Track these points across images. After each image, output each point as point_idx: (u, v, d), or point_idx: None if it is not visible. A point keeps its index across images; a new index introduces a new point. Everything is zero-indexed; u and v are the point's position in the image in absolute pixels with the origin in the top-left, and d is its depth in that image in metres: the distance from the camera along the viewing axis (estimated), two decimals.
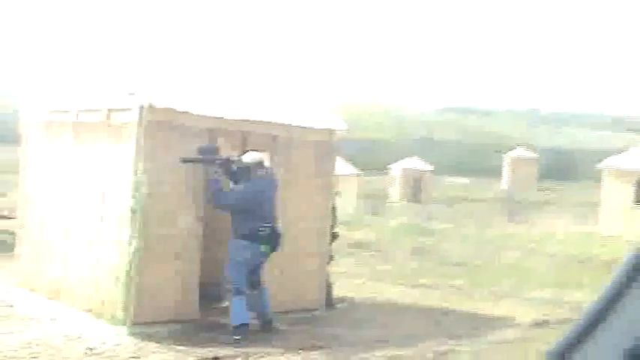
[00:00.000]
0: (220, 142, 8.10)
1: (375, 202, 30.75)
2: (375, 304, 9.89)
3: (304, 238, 8.66)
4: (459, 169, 55.27)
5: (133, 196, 7.26)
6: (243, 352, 6.93)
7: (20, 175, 9.18)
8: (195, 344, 7.15)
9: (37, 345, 6.93)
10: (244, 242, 7.58)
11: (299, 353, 7.06)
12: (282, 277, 8.45)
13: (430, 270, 13.41)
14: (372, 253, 15.68)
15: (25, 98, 9.12)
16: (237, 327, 7.45)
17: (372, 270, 13.24)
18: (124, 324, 7.26)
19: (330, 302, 9.28)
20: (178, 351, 6.92)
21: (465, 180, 49.77)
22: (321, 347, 7.35)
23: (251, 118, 7.94)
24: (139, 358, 6.69)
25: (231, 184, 7.79)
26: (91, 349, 6.89)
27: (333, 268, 13.16)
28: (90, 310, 7.66)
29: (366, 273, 12.85)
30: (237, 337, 7.37)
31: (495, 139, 67.61)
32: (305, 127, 8.54)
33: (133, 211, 7.25)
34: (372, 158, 50.88)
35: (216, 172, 7.56)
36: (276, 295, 8.31)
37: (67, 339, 7.16)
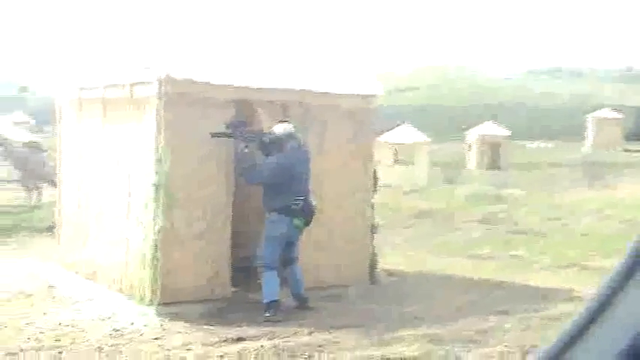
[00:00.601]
0: (260, 112, 7.80)
1: (450, 170, 29.97)
2: (425, 277, 9.43)
3: (343, 210, 8.27)
4: (543, 134, 53.61)
5: (156, 173, 7.05)
6: (269, 332, 6.65)
7: (57, 155, 9.15)
8: (223, 324, 6.91)
9: (66, 326, 6.87)
10: (277, 216, 7.27)
11: (329, 332, 6.71)
12: (322, 252, 8.11)
13: (493, 239, 12.81)
14: (437, 222, 15.16)
15: (57, 78, 9.05)
16: (268, 304, 7.19)
17: (431, 241, 12.75)
18: (152, 304, 7.09)
19: (373, 276, 8.90)
20: (204, 331, 6.70)
21: (548, 144, 48.03)
22: (354, 325, 7.00)
23: (279, 87, 7.58)
24: (162, 338, 6.50)
25: (263, 158, 7.47)
26: (116, 330, 6.75)
27: (391, 238, 12.88)
28: (122, 291, 7.55)
29: (425, 244, 12.38)
30: (267, 315, 7.11)
31: (583, 100, 65.11)
32: (339, 94, 8.11)
33: (157, 189, 7.04)
34: (448, 124, 49.79)
35: (247, 146, 7.26)
36: (316, 269, 8.02)
37: (97, 320, 7.06)
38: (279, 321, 7.03)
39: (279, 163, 7.28)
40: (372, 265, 8.93)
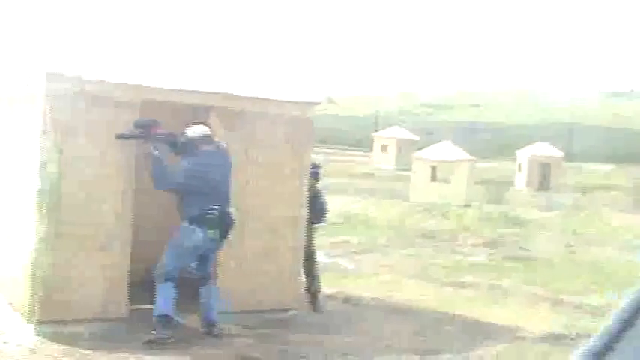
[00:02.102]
0: (212, 119, 7.09)
1: (495, 189, 28.71)
2: (380, 306, 8.48)
3: (274, 227, 7.42)
4: (607, 156, 51.55)
5: (41, 178, 6.37)
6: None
7: None
8: (108, 347, 6.16)
9: None
10: (191, 226, 6.47)
11: None
12: (246, 272, 7.29)
13: (485, 265, 11.73)
14: (438, 244, 14.11)
15: None
16: (157, 317, 6.37)
17: (420, 263, 11.74)
18: (31, 322, 6.41)
19: (314, 302, 8.02)
20: (75, 356, 5.97)
21: (607, 167, 45.80)
22: (257, 359, 6.15)
23: (189, 88, 6.82)
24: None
25: (178, 162, 6.72)
26: None
27: (377, 260, 11.96)
28: (13, 306, 6.89)
29: (412, 267, 11.39)
30: (153, 333, 6.31)
31: None
32: (268, 99, 7.29)
33: (40, 195, 6.36)
34: (506, 144, 48.06)
35: (156, 149, 6.52)
36: (238, 291, 7.19)
37: None
38: (166, 341, 6.26)
39: (192, 168, 6.50)
40: (313, 291, 8.07)
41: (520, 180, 36.19)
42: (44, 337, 6.29)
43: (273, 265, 7.42)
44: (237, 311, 7.19)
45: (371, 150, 45.37)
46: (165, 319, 6.39)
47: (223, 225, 6.54)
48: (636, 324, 1.08)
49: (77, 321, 6.50)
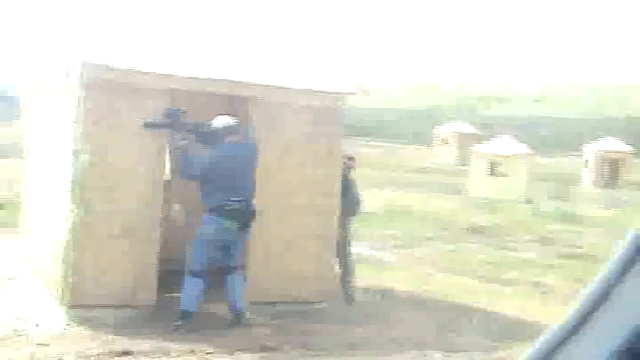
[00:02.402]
0: (251, 110, 7.17)
1: (560, 186, 28.01)
2: (409, 300, 8.39)
3: (299, 217, 7.42)
4: None
5: (73, 165, 6.54)
6: (165, 348, 5.96)
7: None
8: (130, 334, 6.29)
9: None
10: (208, 217, 6.56)
11: (232, 355, 5.95)
12: (272, 262, 7.32)
13: (534, 262, 11.47)
14: (488, 239, 13.89)
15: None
16: (181, 313, 6.52)
17: (461, 258, 11.58)
18: (63, 306, 6.60)
19: (347, 294, 7.99)
20: (99, 340, 6.11)
21: None
22: (273, 348, 6.18)
23: (217, 77, 6.87)
24: (44, 344, 5.95)
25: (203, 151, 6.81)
26: (16, 330, 6.31)
27: (419, 254, 11.86)
28: (50, 289, 7.11)
29: (451, 262, 11.24)
30: (176, 324, 6.45)
31: None
32: (296, 90, 7.28)
33: (73, 183, 6.53)
34: (573, 139, 46.82)
35: (183, 138, 6.61)
36: (266, 281, 7.27)
37: (13, 318, 6.64)
38: (190, 331, 6.38)
39: (213, 159, 6.58)
40: (346, 282, 8.04)
41: (587, 176, 35.22)
42: (73, 321, 6.48)
43: (299, 256, 7.43)
44: (265, 301, 7.27)
45: (431, 144, 44.97)
46: (186, 315, 6.49)
47: (243, 216, 6.58)
48: (594, 317, 1.08)
49: (106, 306, 6.67)
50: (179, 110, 6.69)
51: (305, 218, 7.44)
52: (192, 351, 5.94)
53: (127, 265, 6.72)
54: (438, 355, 6.10)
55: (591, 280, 1.02)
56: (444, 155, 41.71)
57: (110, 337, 6.21)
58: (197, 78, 6.80)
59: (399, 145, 48.33)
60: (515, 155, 26.95)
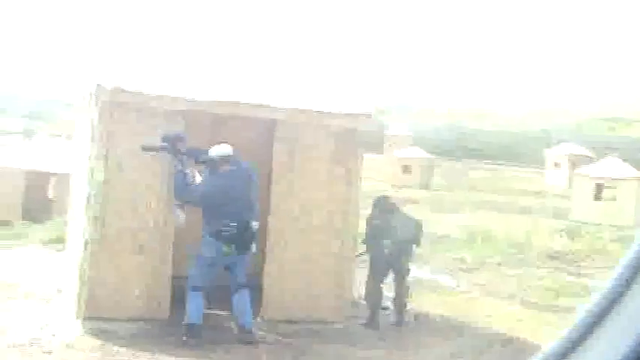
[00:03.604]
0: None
1: None
2: (441, 325, 8.15)
3: (317, 236, 7.42)
4: None
5: (89, 183, 6.86)
6: None
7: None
8: (137, 346, 6.51)
9: None
10: (208, 239, 6.74)
11: None
12: (288, 280, 7.36)
13: (597, 289, 10.82)
14: (559, 265, 13.27)
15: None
16: (186, 326, 6.67)
17: (520, 284, 11.12)
18: (79, 318, 6.89)
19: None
20: (107, 353, 6.35)
21: None
22: None
23: (226, 100, 7.02)
24: (52, 353, 6.26)
25: (200, 177, 7.01)
26: (33, 339, 6.66)
27: (478, 280, 11.50)
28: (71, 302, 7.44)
29: (508, 287, 10.81)
30: (184, 339, 6.61)
31: None
32: (317, 111, 7.34)
33: (88, 200, 6.85)
34: None
35: (181, 162, 6.81)
36: (280, 300, 7.32)
37: (32, 328, 6.99)
38: (197, 346, 6.52)
39: (207, 187, 6.80)
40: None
41: None
42: (87, 332, 6.77)
43: (316, 275, 7.43)
44: (283, 319, 7.31)
45: (543, 167, 43.47)
46: (193, 327, 6.63)
47: (241, 240, 6.68)
48: (604, 324, 1.08)
49: (122, 319, 6.91)
50: (178, 135, 6.85)
51: (323, 237, 7.44)
52: None
53: (141, 279, 6.95)
54: None
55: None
56: (554, 178, 40.21)
57: (116, 348, 6.44)
58: (209, 101, 6.97)
59: (510, 168, 47.05)
60: (623, 178, 25.60)
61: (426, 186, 31.39)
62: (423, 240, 8.31)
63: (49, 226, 13.31)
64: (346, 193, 7.47)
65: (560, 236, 16.29)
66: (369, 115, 7.52)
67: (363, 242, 8.07)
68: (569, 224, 19.11)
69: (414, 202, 22.91)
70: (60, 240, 10.09)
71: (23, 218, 16.29)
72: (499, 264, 12.97)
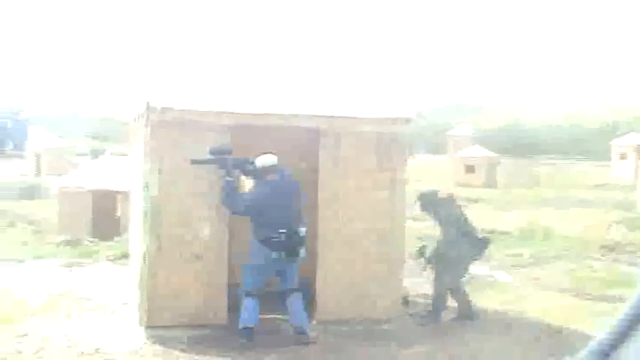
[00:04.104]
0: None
1: None
2: (494, 320, 8.24)
3: (363, 240, 7.66)
4: None
5: (144, 198, 7.26)
6: None
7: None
8: (196, 351, 6.86)
9: (62, 337, 7.31)
10: (257, 246, 7.06)
11: None
12: (338, 284, 7.63)
13: None
14: (617, 256, 13.14)
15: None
16: (241, 330, 7.02)
17: (576, 277, 11.09)
18: (141, 326, 7.29)
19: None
20: (168, 357, 6.71)
21: None
22: None
23: (275, 112, 7.32)
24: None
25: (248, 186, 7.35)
26: (97, 348, 7.05)
27: (534, 274, 11.51)
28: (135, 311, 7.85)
29: (563, 281, 10.81)
30: (241, 341, 6.98)
31: None
32: (358, 118, 7.58)
33: (145, 214, 7.25)
34: None
35: (229, 173, 7.15)
36: (332, 303, 7.59)
37: (99, 337, 7.39)
38: (251, 347, 6.88)
39: (254, 196, 7.12)
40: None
41: None
42: (150, 340, 7.14)
43: (365, 277, 7.66)
44: (335, 320, 7.57)
45: (608, 160, 42.52)
46: (247, 331, 6.95)
47: (290, 246, 6.96)
48: None
49: (182, 326, 7.27)
50: (224, 147, 7.20)
51: (370, 241, 7.67)
52: None
53: (199, 287, 7.30)
54: None
55: None
56: (620, 170, 39.29)
57: (176, 353, 6.80)
58: (256, 114, 7.28)
59: (574, 163, 46.21)
60: None
61: (489, 184, 31.20)
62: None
63: (116, 243, 13.88)
64: (390, 197, 7.69)
65: (618, 229, 16.07)
66: (408, 119, 7.71)
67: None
68: (631, 216, 18.73)
69: (477, 200, 22.91)
70: (126, 256, 10.57)
71: (93, 236, 16.96)
72: (556, 258, 12.94)
